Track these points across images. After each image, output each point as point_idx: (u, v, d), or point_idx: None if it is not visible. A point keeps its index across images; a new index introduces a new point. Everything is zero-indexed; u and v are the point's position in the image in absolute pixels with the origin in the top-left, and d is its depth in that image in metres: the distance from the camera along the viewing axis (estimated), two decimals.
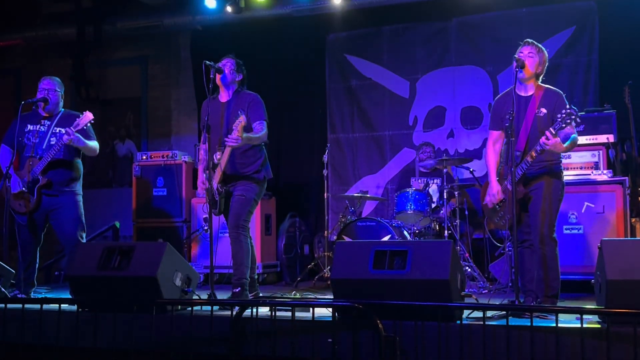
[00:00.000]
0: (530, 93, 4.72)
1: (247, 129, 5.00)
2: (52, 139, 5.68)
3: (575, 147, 4.70)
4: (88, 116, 5.64)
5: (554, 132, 4.38)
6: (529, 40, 4.73)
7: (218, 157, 5.13)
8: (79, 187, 5.81)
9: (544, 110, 4.64)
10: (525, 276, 4.66)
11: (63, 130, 5.63)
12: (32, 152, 5.66)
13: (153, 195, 7.72)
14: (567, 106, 4.39)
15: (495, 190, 4.82)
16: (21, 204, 5.59)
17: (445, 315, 3.82)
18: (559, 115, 4.39)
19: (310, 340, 3.98)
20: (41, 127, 5.74)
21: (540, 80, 4.75)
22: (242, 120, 4.87)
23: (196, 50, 8.79)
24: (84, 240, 5.73)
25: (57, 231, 5.74)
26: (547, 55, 4.75)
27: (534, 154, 4.51)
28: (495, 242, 6.38)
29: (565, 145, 4.51)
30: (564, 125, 4.37)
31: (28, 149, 5.69)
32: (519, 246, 4.58)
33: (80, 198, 5.78)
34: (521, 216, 4.67)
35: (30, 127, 5.74)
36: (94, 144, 5.77)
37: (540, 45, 4.71)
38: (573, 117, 4.35)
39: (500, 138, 4.92)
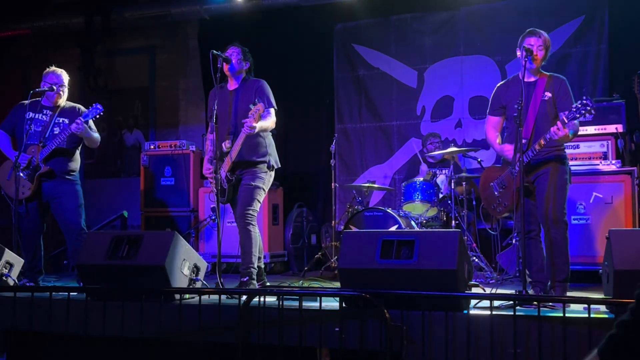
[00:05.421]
0: (534, 79, 4.68)
1: None
2: (55, 128, 5.71)
3: (577, 134, 4.70)
4: (98, 108, 5.66)
5: (566, 121, 4.34)
6: (535, 30, 4.65)
7: (227, 145, 5.13)
8: (78, 177, 5.85)
9: (548, 94, 4.61)
10: (532, 267, 4.63)
11: (67, 121, 5.68)
12: (33, 140, 5.68)
13: (161, 185, 7.74)
14: (584, 97, 4.32)
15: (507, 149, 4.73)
16: (21, 190, 5.57)
17: (452, 305, 3.83)
18: (573, 106, 4.34)
19: (318, 330, 4.00)
20: (43, 117, 5.77)
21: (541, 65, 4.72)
22: (260, 107, 4.87)
23: (204, 40, 8.80)
24: (85, 229, 5.75)
25: (59, 220, 5.77)
26: (550, 41, 4.69)
27: (542, 142, 4.45)
28: (490, 232, 6.36)
29: (570, 135, 4.50)
30: (578, 115, 4.31)
31: (29, 137, 5.70)
32: (525, 237, 4.56)
33: (80, 187, 5.83)
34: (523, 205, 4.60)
35: (31, 114, 5.75)
36: (97, 135, 5.84)
37: (544, 34, 4.65)
38: (588, 108, 4.28)
39: (499, 124, 4.89)
